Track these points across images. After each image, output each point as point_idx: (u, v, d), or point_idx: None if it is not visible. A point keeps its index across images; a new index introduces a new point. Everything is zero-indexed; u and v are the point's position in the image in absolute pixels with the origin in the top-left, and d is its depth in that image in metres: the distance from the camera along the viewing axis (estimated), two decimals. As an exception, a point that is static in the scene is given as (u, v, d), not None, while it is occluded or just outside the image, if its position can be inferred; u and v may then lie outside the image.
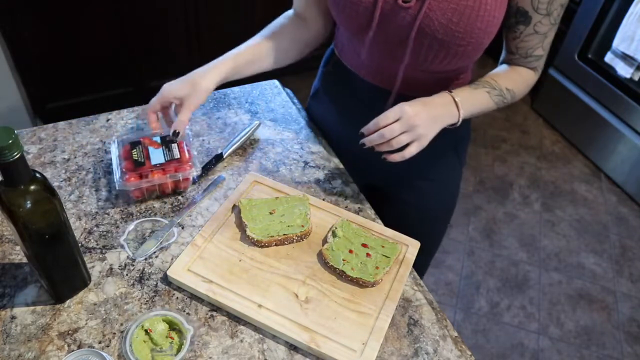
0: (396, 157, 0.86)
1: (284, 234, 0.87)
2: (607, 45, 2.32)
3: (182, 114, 0.94)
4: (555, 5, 0.86)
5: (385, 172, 1.08)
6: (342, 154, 1.09)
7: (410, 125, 0.83)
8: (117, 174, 0.93)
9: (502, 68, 0.98)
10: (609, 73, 2.37)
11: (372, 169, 1.07)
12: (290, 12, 1.06)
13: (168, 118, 1.00)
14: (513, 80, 0.95)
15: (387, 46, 0.91)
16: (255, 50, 1.01)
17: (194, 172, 0.95)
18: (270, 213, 0.90)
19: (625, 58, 2.23)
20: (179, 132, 0.95)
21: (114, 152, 0.96)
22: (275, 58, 1.03)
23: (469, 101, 0.89)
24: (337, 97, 1.10)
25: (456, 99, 0.87)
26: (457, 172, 1.13)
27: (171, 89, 0.95)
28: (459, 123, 0.89)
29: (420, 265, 0.90)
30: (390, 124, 0.83)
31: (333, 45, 1.09)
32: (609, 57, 2.31)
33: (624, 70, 2.25)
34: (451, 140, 1.06)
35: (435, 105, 0.86)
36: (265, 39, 1.02)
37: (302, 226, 0.88)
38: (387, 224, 0.97)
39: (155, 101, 0.96)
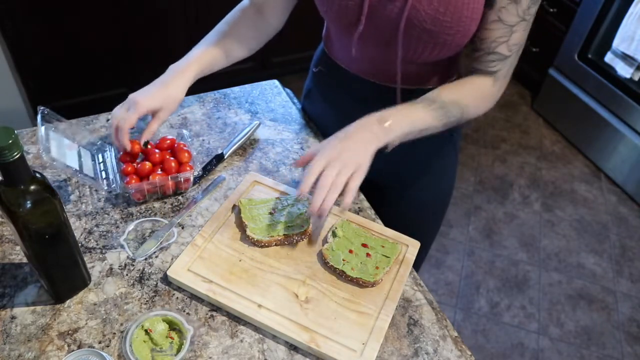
0: (348, 201, 0.79)
1: (284, 234, 0.87)
2: (607, 45, 2.32)
3: (154, 125, 0.93)
4: None
5: (382, 167, 1.09)
6: None
7: (341, 164, 0.79)
8: (116, 177, 0.94)
9: (454, 81, 0.92)
10: (609, 73, 2.37)
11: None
12: (245, 2, 1.04)
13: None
14: (459, 91, 0.89)
15: (376, 40, 0.91)
16: (218, 50, 0.98)
17: (195, 173, 0.95)
18: (271, 213, 0.90)
19: (625, 58, 2.23)
20: (148, 142, 0.95)
21: (111, 156, 0.97)
22: (236, 54, 1.01)
23: (398, 119, 0.84)
24: (330, 95, 1.11)
25: (381, 119, 0.83)
26: (453, 163, 1.13)
27: (147, 102, 0.91)
28: (389, 146, 0.84)
29: (417, 260, 0.90)
30: (321, 172, 0.79)
31: (322, 45, 1.09)
32: (609, 57, 2.31)
33: (624, 70, 2.25)
34: (446, 130, 1.06)
35: (357, 131, 0.82)
36: (225, 35, 1.00)
37: (302, 226, 0.88)
38: (383, 217, 0.97)
39: (133, 117, 0.89)
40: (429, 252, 1.30)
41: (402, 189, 1.12)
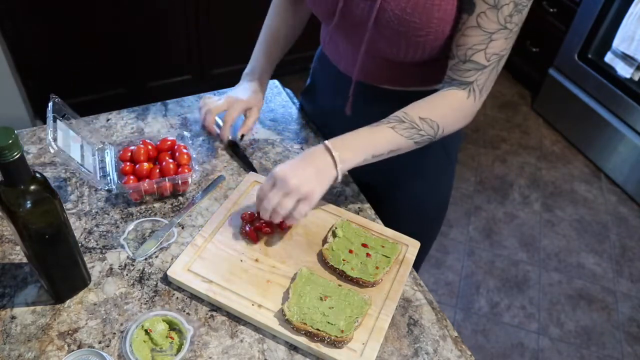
0: (292, 221, 0.83)
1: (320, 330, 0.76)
2: (607, 45, 2.31)
3: (250, 120, 1.06)
4: (507, 0, 0.76)
5: (377, 171, 1.09)
6: None
7: (287, 187, 0.79)
8: (114, 177, 0.94)
9: (426, 97, 0.88)
10: (609, 73, 2.37)
11: (363, 167, 1.07)
12: None
13: (211, 121, 1.06)
14: (431, 107, 0.85)
15: (349, 35, 0.92)
16: (276, 47, 1.09)
17: (193, 175, 0.95)
18: (321, 299, 0.80)
19: (625, 58, 2.23)
20: (243, 136, 1.07)
21: (111, 155, 0.97)
22: (284, 47, 1.11)
23: (354, 146, 0.82)
24: (324, 91, 1.12)
25: (330, 148, 0.81)
26: (449, 171, 1.12)
27: (245, 100, 1.04)
28: (339, 177, 0.81)
29: (417, 260, 0.90)
30: (269, 192, 0.81)
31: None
32: (609, 57, 2.30)
33: (624, 70, 2.25)
34: (439, 140, 1.05)
35: (311, 158, 0.81)
36: (274, 31, 1.08)
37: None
38: (383, 220, 0.97)
39: (227, 108, 1.03)
40: (429, 252, 1.30)
41: (398, 193, 1.12)
